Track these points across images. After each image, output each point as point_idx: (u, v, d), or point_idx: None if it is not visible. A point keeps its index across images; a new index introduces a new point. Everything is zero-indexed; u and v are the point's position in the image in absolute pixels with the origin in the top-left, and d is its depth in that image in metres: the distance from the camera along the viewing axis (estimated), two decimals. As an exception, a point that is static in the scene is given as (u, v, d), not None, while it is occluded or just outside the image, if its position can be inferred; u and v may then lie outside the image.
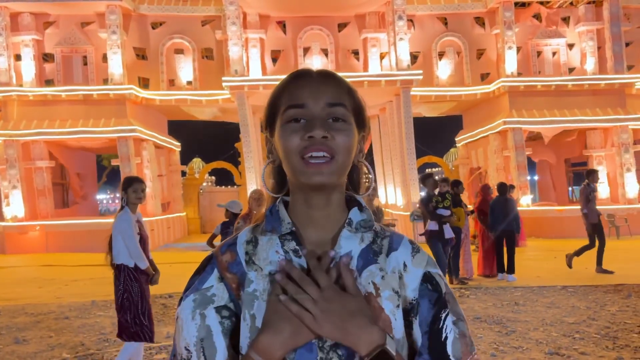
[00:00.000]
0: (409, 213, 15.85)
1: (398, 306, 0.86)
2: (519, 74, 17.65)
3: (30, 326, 6.16)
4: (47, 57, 17.78)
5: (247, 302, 0.86)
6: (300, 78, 0.91)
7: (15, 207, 16.63)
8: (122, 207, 4.54)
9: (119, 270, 4.42)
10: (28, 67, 16.94)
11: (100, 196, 39.65)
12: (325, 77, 0.91)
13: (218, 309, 0.86)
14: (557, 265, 10.08)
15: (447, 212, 8.14)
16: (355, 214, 0.92)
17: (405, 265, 0.90)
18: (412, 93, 16.68)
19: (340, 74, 0.95)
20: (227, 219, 6.71)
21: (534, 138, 19.17)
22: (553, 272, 9.38)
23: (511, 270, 8.81)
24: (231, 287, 0.87)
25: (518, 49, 17.89)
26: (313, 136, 0.84)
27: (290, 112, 0.87)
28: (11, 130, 16.28)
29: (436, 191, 8.49)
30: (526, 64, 18.18)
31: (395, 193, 18.60)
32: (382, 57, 18.08)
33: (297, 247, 0.89)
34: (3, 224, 16.67)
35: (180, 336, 0.86)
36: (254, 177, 16.19)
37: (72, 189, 20.42)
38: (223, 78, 16.11)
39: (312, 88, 0.89)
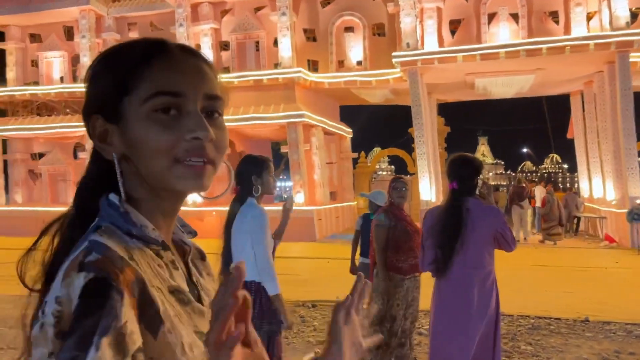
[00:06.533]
0: (624, 211, 12.57)
1: None
2: None
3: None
4: (226, 46, 18.11)
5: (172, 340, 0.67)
6: (169, 54, 0.75)
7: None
8: (242, 196, 3.02)
9: (250, 287, 2.90)
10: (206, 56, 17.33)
11: (280, 184, 41.34)
12: (199, 59, 0.78)
13: (135, 355, 0.61)
14: None
15: None
16: None
17: None
18: (631, 59, 13.14)
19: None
20: (371, 212, 5.29)
21: None
22: None
23: None
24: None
25: None
26: (199, 138, 0.72)
27: (161, 100, 0.72)
28: (191, 118, 16.84)
29: None
30: None
31: (603, 185, 15.11)
32: (589, 17, 14.65)
33: (173, 258, 0.78)
34: (185, 208, 17.40)
35: None
36: (426, 164, 14.35)
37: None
38: (393, 53, 14.50)
39: (189, 73, 0.74)
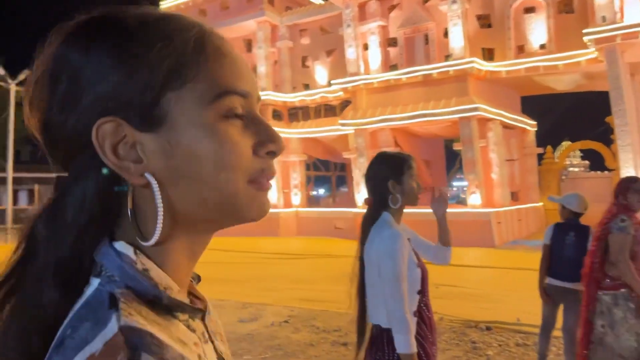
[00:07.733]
0: None
1: None
2: None
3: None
4: (394, 43, 17.60)
5: None
6: (220, 40, 0.56)
7: (364, 194, 16.99)
8: (376, 209, 2.22)
9: (381, 337, 2.11)
10: (374, 55, 17.03)
11: (456, 184, 39.40)
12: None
13: None
14: None
15: None
16: None
17: None
18: None
19: None
20: (564, 220, 4.22)
21: None
22: None
23: None
24: None
25: None
26: (275, 152, 0.56)
27: (233, 101, 0.53)
28: (359, 119, 16.65)
29: None
30: None
31: None
32: None
33: (203, 329, 0.58)
34: (355, 210, 17.33)
35: None
36: (630, 158, 12.05)
37: (420, 177, 19.96)
38: (584, 30, 12.47)
39: (247, 67, 0.57)
